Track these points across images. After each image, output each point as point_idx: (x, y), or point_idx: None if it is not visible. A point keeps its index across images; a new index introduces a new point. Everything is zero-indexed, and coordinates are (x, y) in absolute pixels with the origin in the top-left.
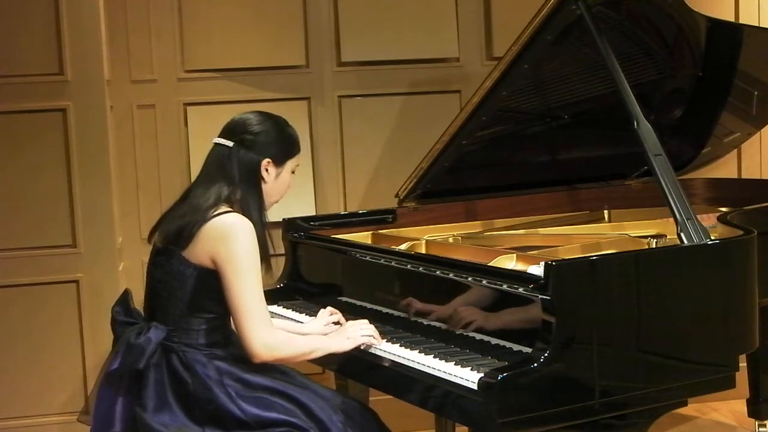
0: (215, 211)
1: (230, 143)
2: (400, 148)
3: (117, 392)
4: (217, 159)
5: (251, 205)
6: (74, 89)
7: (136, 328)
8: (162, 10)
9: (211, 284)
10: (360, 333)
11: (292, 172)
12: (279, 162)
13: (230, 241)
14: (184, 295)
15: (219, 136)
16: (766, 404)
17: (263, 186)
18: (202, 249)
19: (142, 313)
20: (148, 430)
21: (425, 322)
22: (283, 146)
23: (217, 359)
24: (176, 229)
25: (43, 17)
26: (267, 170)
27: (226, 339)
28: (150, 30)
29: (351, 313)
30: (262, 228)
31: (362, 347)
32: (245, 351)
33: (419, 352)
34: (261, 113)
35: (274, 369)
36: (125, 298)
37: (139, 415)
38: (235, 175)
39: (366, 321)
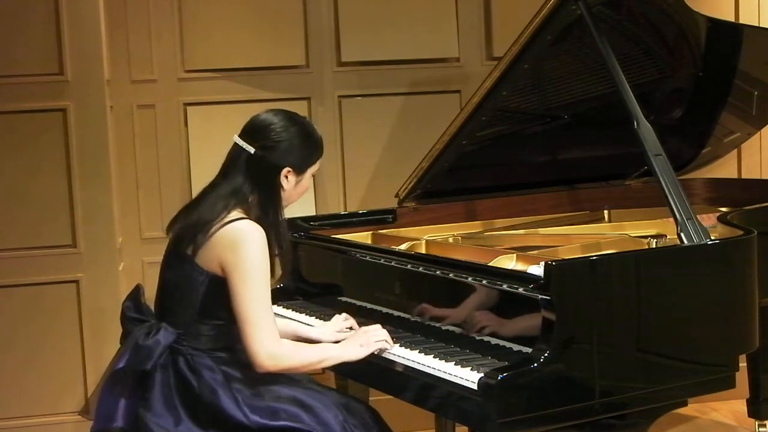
0: (227, 217)
1: (251, 149)
2: (400, 148)
3: (122, 390)
4: (236, 160)
5: (269, 210)
6: (74, 89)
7: (145, 326)
8: (162, 10)
9: (221, 291)
10: (374, 339)
11: (312, 175)
12: (300, 170)
13: (239, 248)
14: (195, 300)
15: (240, 135)
16: (766, 404)
17: (282, 193)
18: (213, 256)
19: (153, 309)
20: None
21: (425, 322)
22: (306, 154)
23: (225, 364)
24: (184, 236)
25: (43, 17)
26: (287, 177)
27: (233, 344)
28: (150, 30)
29: (351, 313)
30: (276, 230)
31: (375, 352)
32: (250, 361)
33: (419, 352)
34: (286, 116)
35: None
36: (136, 293)
37: (141, 416)
38: (253, 180)
39: (378, 326)
